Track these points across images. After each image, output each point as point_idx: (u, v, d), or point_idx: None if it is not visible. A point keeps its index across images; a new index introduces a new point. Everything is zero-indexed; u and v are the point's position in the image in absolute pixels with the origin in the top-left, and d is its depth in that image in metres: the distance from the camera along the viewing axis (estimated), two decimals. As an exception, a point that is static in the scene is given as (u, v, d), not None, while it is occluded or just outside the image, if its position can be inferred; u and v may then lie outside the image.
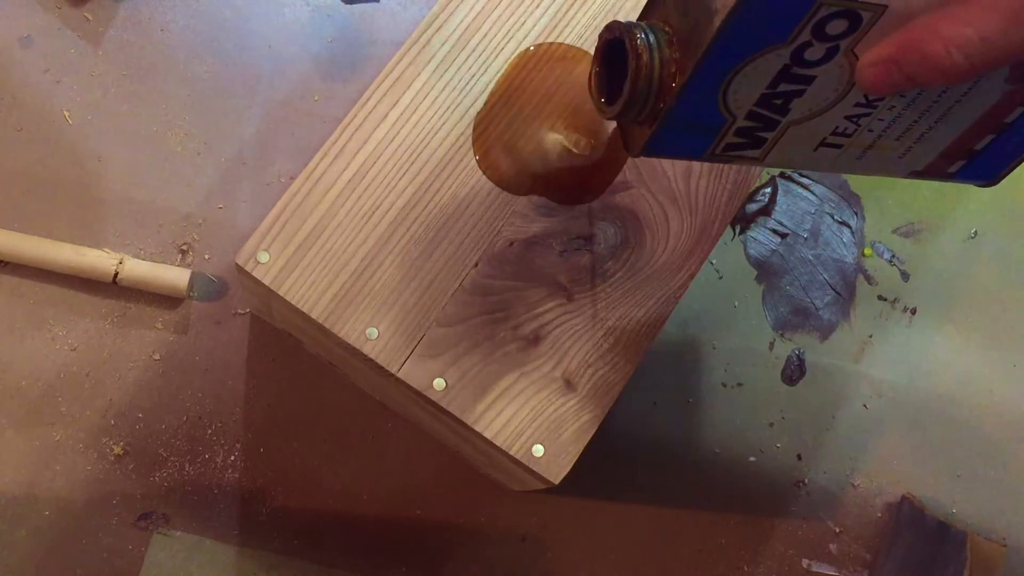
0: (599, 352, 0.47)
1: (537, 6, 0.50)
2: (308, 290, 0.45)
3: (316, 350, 0.57)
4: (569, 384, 0.47)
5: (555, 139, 0.47)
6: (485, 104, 0.49)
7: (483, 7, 0.50)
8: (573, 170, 0.49)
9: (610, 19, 0.51)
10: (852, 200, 0.69)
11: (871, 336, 0.68)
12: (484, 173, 0.48)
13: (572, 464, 0.46)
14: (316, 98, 0.63)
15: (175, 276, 0.58)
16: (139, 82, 0.61)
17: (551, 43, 0.50)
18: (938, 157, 0.39)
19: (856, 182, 0.69)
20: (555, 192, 0.49)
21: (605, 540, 0.62)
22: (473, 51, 0.49)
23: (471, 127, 0.49)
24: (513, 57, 0.50)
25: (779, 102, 0.35)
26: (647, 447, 0.64)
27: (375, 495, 0.60)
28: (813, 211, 0.68)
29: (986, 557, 0.62)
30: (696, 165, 0.50)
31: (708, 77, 0.34)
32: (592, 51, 0.47)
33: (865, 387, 0.67)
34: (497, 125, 0.49)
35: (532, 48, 0.50)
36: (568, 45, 0.50)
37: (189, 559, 0.57)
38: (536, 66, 0.50)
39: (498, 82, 0.49)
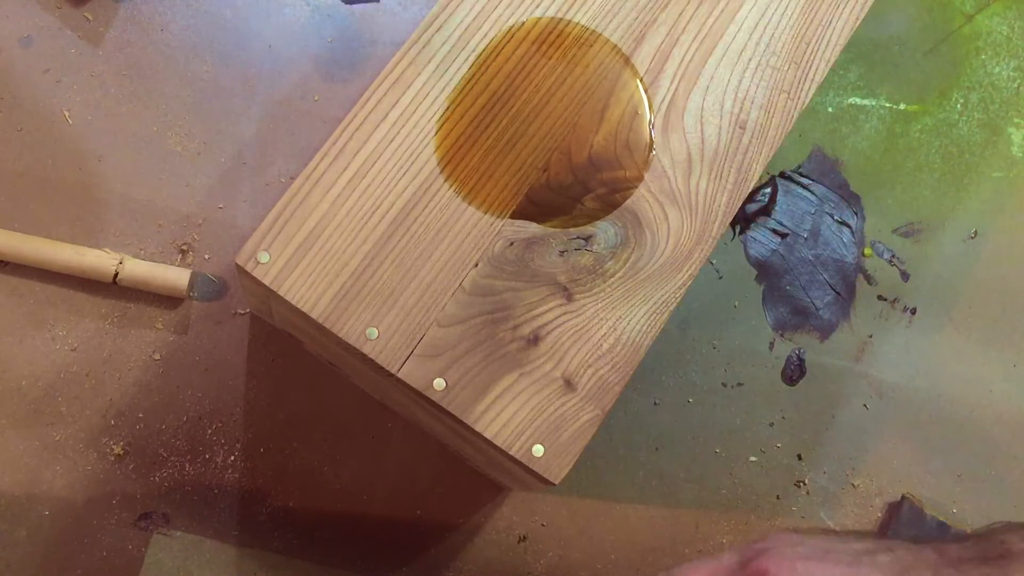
0: (599, 352, 0.47)
1: (537, 6, 0.50)
2: (308, 290, 0.45)
3: (316, 350, 0.57)
4: (569, 384, 0.47)
5: None
6: (454, 112, 0.48)
7: (483, 7, 0.50)
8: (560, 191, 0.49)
9: (611, 20, 0.51)
10: (852, 200, 0.69)
11: (871, 336, 0.68)
12: (464, 199, 0.48)
13: (572, 464, 0.46)
14: (316, 98, 0.63)
15: (175, 276, 0.58)
16: (139, 82, 0.61)
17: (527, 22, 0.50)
18: None
19: (856, 182, 0.69)
20: (542, 218, 0.49)
21: (605, 540, 0.62)
22: (473, 51, 0.49)
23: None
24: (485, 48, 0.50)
25: None
26: (647, 447, 0.64)
27: (375, 495, 0.60)
28: (813, 211, 0.68)
29: (986, 557, 0.62)
30: (696, 165, 0.50)
31: None
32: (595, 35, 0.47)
33: (865, 387, 0.67)
34: (479, 148, 0.48)
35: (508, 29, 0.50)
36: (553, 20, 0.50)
37: (189, 559, 0.57)
38: (519, 63, 0.50)
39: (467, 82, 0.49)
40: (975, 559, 0.40)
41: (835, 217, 0.69)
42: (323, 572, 0.59)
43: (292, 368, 0.60)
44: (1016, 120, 0.72)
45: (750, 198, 0.68)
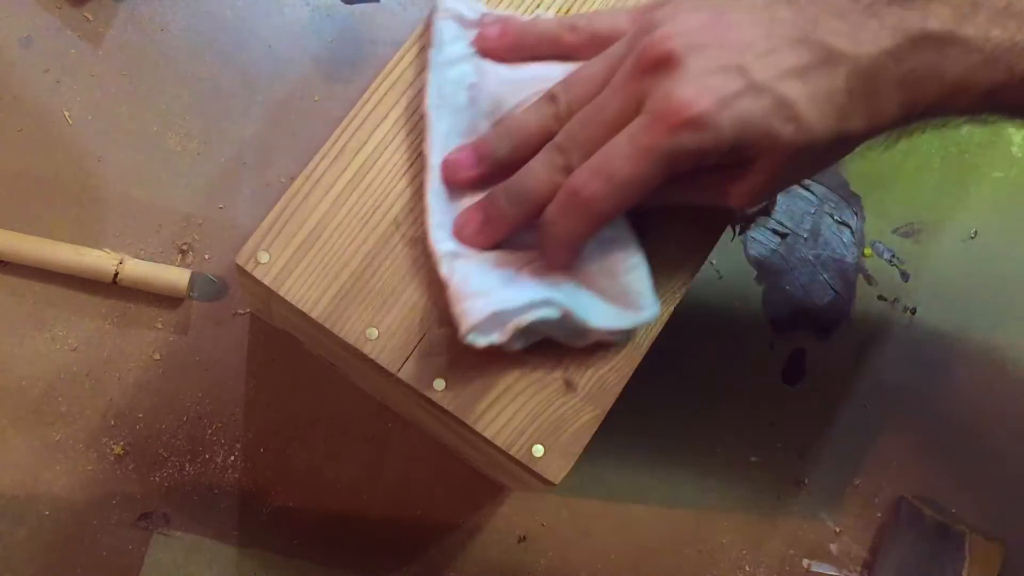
0: (599, 352, 0.47)
1: (538, 5, 0.50)
2: (308, 290, 0.45)
3: (316, 350, 0.57)
4: (569, 384, 0.47)
5: None
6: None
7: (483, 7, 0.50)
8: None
9: (610, 19, 0.51)
10: (852, 200, 0.69)
11: (871, 336, 0.68)
12: None
13: (572, 464, 0.46)
14: (316, 98, 0.63)
15: (175, 276, 0.58)
16: (139, 82, 0.61)
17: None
18: None
19: (856, 182, 0.69)
20: None
21: (605, 540, 0.62)
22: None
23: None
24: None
25: None
26: (647, 447, 0.64)
27: (375, 495, 0.60)
28: (813, 211, 0.68)
29: (985, 557, 0.62)
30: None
31: None
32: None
33: (865, 387, 0.67)
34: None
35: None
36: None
37: (189, 559, 0.57)
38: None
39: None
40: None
41: (835, 217, 0.69)
42: (323, 572, 0.59)
43: (292, 368, 0.60)
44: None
45: (750, 198, 0.68)
